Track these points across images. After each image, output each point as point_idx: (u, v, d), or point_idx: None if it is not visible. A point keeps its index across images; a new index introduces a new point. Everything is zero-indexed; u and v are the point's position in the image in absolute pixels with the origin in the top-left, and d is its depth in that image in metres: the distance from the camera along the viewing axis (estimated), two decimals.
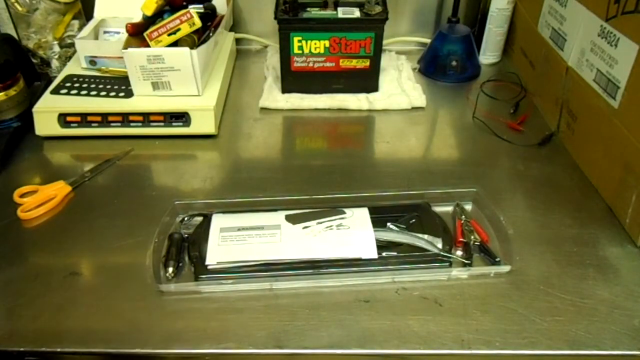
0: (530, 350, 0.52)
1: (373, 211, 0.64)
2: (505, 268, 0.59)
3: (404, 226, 0.63)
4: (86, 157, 0.79)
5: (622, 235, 0.65)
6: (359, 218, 0.63)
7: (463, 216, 0.66)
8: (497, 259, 0.60)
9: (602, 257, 0.62)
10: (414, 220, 0.64)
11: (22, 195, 0.69)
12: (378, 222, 0.63)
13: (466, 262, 0.60)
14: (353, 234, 0.61)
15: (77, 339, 0.53)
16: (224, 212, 0.64)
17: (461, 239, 0.63)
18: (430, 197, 0.69)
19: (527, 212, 0.69)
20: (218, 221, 0.63)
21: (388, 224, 0.63)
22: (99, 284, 0.60)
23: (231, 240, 0.60)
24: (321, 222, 0.62)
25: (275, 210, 0.65)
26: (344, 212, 0.64)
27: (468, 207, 0.68)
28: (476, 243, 0.62)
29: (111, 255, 0.63)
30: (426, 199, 0.68)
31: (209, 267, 0.58)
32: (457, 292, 0.58)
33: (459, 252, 0.61)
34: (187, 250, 0.61)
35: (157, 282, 0.57)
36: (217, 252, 0.59)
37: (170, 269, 0.59)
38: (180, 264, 0.60)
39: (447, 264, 0.60)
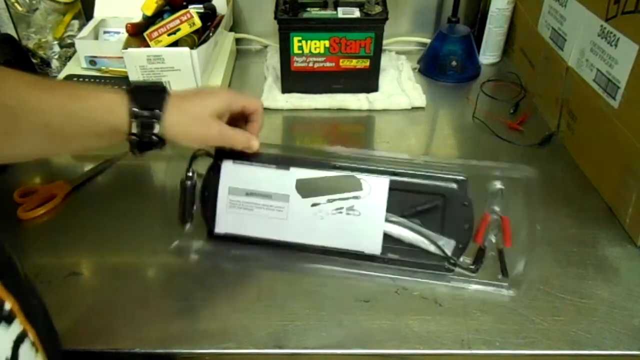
0: (530, 350, 0.52)
1: (395, 185, 0.58)
2: (509, 292, 0.57)
3: (418, 220, 0.58)
4: (86, 157, 0.78)
5: (622, 235, 0.65)
6: (374, 200, 0.58)
7: (497, 208, 0.59)
8: (506, 277, 0.58)
9: (602, 257, 0.62)
10: (436, 207, 0.58)
11: (22, 195, 0.69)
12: (396, 204, 0.57)
13: (472, 273, 0.58)
14: (361, 223, 0.58)
15: (77, 338, 0.53)
16: (233, 160, 0.61)
17: (479, 244, 0.59)
18: (472, 171, 0.59)
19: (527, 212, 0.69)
20: (227, 174, 0.60)
21: (402, 219, 0.58)
22: (99, 284, 0.60)
23: (239, 207, 0.59)
24: (332, 200, 0.58)
25: (288, 167, 0.59)
26: (360, 187, 0.58)
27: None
28: (496, 249, 0.58)
29: (111, 255, 0.63)
30: (465, 175, 0.58)
31: (217, 234, 0.59)
32: (457, 292, 0.58)
33: (467, 261, 0.59)
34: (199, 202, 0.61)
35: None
36: (225, 220, 0.59)
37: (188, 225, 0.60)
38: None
39: (451, 272, 0.59)
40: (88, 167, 0.75)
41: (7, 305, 0.32)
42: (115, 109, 0.49)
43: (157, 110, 0.51)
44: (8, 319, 0.32)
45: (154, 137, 0.51)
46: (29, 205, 0.67)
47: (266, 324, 0.54)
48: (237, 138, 0.57)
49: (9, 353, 0.32)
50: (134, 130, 0.50)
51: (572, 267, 0.61)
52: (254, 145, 0.57)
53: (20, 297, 0.34)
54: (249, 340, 0.53)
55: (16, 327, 0.33)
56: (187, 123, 0.53)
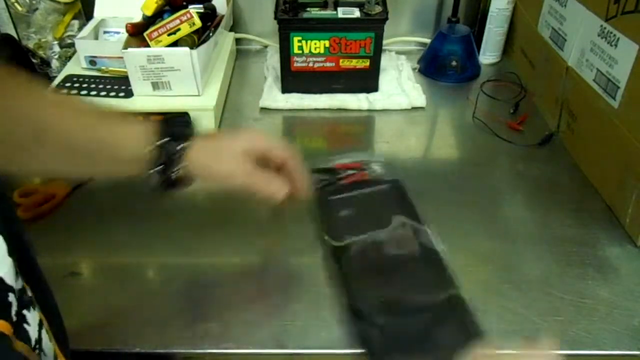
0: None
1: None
2: None
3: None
4: None
5: (622, 235, 0.65)
6: None
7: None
8: None
9: (602, 257, 0.62)
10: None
11: (22, 195, 0.69)
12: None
13: None
14: None
15: (76, 338, 0.52)
16: None
17: None
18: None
19: (527, 212, 0.69)
20: None
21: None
22: (99, 284, 0.60)
23: None
24: None
25: None
26: None
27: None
28: None
29: (111, 255, 0.63)
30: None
31: None
32: None
33: None
34: None
35: None
36: None
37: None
38: None
39: None
40: None
41: (29, 292, 0.33)
42: (140, 137, 0.48)
43: (183, 142, 0.49)
44: (32, 304, 0.33)
45: (177, 171, 0.49)
46: (29, 205, 0.67)
47: (266, 323, 0.54)
48: (267, 181, 0.50)
49: (37, 335, 0.33)
50: (158, 160, 0.48)
51: (572, 267, 0.61)
52: (281, 193, 0.51)
53: (36, 290, 0.35)
54: (249, 340, 0.53)
55: (36, 314, 0.34)
56: (214, 157, 0.50)
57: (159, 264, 0.62)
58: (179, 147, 0.48)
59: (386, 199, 0.67)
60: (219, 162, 0.50)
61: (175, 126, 0.50)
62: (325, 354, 0.52)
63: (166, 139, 0.48)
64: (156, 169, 0.48)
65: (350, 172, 0.68)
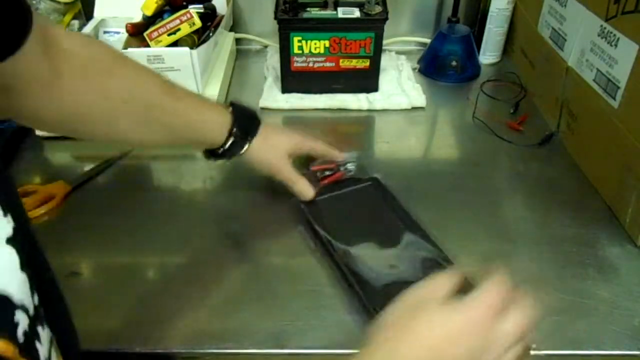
0: (530, 350, 0.52)
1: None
2: None
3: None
4: (86, 157, 0.78)
5: (622, 235, 0.65)
6: None
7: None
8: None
9: (602, 257, 0.62)
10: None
11: (22, 195, 0.69)
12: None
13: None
14: None
15: None
16: None
17: None
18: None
19: (527, 212, 0.69)
20: None
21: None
22: (99, 284, 0.60)
23: None
24: None
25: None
26: None
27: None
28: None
29: (111, 255, 0.63)
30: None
31: None
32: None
33: None
34: None
35: None
36: None
37: None
38: None
39: None
40: (88, 167, 0.75)
41: (42, 310, 0.32)
42: (219, 128, 0.60)
43: (250, 137, 0.62)
44: (44, 320, 0.32)
45: (236, 154, 0.62)
46: (29, 205, 0.67)
47: (266, 324, 0.54)
48: (298, 181, 0.65)
49: (47, 354, 0.32)
50: (225, 145, 0.60)
51: (572, 267, 0.61)
52: (309, 195, 0.65)
53: (47, 306, 0.34)
54: (249, 340, 0.53)
55: (48, 330, 0.33)
56: (267, 152, 0.64)
57: (159, 264, 0.62)
58: (247, 139, 0.62)
59: (373, 197, 0.67)
60: (270, 157, 0.64)
61: (244, 118, 0.62)
62: (325, 353, 0.52)
63: (236, 130, 0.60)
64: (221, 150, 0.61)
65: (326, 173, 0.69)
